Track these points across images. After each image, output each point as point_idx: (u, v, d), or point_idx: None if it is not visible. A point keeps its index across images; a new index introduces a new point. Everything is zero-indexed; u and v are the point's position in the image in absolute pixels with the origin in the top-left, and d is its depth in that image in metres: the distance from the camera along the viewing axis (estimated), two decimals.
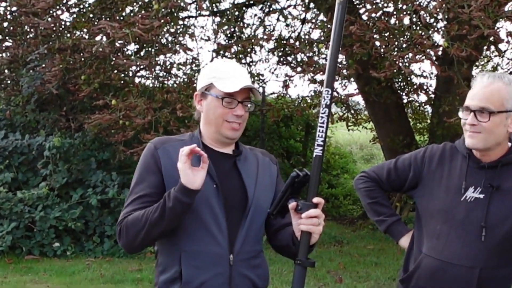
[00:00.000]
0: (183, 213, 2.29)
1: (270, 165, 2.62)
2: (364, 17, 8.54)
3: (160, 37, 8.08)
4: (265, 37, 9.87)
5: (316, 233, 2.34)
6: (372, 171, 3.07)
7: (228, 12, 11.05)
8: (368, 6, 7.98)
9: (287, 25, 12.04)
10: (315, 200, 2.31)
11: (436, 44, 7.75)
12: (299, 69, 9.66)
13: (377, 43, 7.55)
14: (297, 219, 2.35)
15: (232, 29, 11.74)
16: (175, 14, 8.43)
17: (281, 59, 11.50)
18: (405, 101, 13.02)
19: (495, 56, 13.14)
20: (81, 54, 8.56)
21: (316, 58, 9.43)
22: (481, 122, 2.56)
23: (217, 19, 11.51)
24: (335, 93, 9.86)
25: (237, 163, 2.50)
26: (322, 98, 2.33)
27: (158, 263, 2.46)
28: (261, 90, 12.58)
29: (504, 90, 2.57)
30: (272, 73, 13.28)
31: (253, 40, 10.00)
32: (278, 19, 11.98)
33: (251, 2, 11.54)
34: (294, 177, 2.30)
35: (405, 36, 7.56)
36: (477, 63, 12.15)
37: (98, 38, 8.14)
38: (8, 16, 9.94)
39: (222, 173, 2.43)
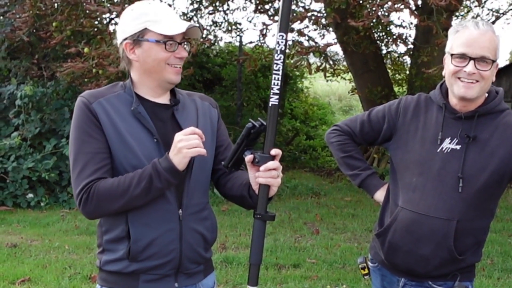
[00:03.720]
0: None
1: (210, 109, 2.50)
2: None
3: None
4: None
5: (275, 186, 2.23)
6: (344, 124, 2.97)
7: None
8: None
9: None
10: (273, 152, 2.19)
11: None
12: (276, 17, 9.48)
13: None
14: (254, 172, 2.23)
15: None
16: None
17: (258, 7, 11.28)
18: (384, 51, 12.97)
19: (475, 6, 13.09)
20: (52, 0, 8.30)
21: (293, 7, 9.26)
22: (480, 71, 2.48)
23: None
24: (312, 43, 9.72)
25: (175, 113, 2.36)
26: (276, 43, 2.19)
27: (101, 223, 2.34)
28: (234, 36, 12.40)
29: (496, 39, 2.52)
30: (250, 21, 13.12)
31: None
32: None
33: None
34: (249, 128, 2.18)
35: None
36: (456, 13, 12.07)
37: None
38: None
39: (161, 126, 2.30)
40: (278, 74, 2.19)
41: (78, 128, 2.23)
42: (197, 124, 2.37)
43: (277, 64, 2.18)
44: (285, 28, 2.18)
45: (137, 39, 2.26)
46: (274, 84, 2.19)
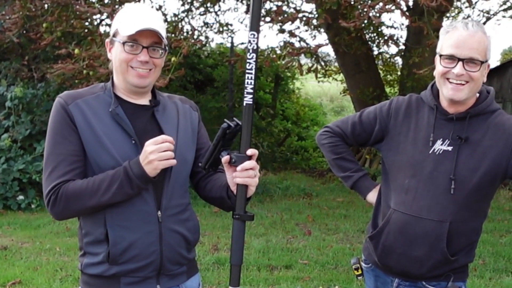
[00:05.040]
0: None
1: (191, 112, 2.49)
2: None
3: None
4: None
5: (252, 185, 2.22)
6: (335, 125, 2.96)
7: None
8: None
9: None
10: (249, 152, 2.18)
11: None
12: (267, 18, 9.48)
13: None
14: (231, 172, 2.23)
15: None
16: None
17: (250, 8, 11.27)
18: (375, 52, 13.00)
19: (466, 7, 13.14)
20: (42, 1, 8.27)
21: (285, 8, 9.25)
22: (469, 72, 2.47)
23: None
24: (303, 44, 9.73)
25: (155, 114, 2.35)
26: (248, 42, 2.18)
27: (81, 225, 2.33)
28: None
29: (486, 40, 2.51)
30: (241, 22, 13.11)
31: None
32: None
33: None
34: (225, 129, 2.17)
35: None
36: (447, 14, 12.11)
37: None
38: None
39: (139, 127, 2.29)
40: (251, 73, 2.17)
41: (53, 129, 2.24)
42: (177, 125, 2.37)
43: (249, 63, 2.17)
44: (256, 27, 2.17)
45: (112, 38, 2.29)
46: (247, 84, 2.18)
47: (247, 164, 2.18)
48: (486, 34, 2.51)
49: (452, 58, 2.48)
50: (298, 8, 10.62)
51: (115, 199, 2.16)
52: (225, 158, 2.21)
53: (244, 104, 2.18)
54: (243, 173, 2.18)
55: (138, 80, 2.26)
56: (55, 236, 7.37)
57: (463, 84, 2.49)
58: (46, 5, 8.29)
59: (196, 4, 11.13)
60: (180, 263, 2.38)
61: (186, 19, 11.64)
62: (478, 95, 2.61)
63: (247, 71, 2.17)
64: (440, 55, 2.53)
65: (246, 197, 2.24)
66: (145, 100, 2.36)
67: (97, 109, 2.25)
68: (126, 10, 2.31)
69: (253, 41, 2.17)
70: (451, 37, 2.50)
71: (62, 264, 6.12)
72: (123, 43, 2.23)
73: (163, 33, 2.27)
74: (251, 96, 2.18)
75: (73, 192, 2.16)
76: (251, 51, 2.17)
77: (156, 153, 2.11)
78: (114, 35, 2.28)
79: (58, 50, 8.23)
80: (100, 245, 2.25)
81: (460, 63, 2.46)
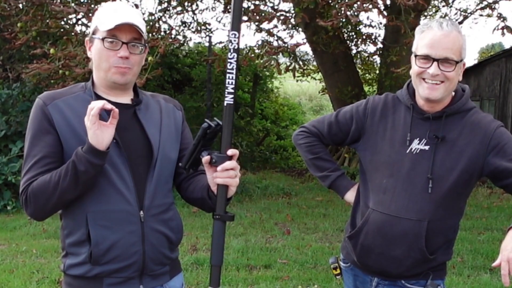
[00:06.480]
0: (96, 175, 2.16)
1: (174, 111, 2.49)
2: None
3: None
4: None
5: (233, 186, 2.21)
6: (312, 125, 2.95)
7: None
8: None
9: None
10: (230, 152, 2.17)
11: None
12: (245, 17, 9.46)
13: None
14: (212, 173, 2.22)
15: None
16: None
17: (227, 7, 11.25)
18: (353, 51, 13.03)
19: (443, 6, 13.23)
20: (17, 0, 8.18)
21: (262, 7, 9.23)
22: (444, 72, 2.47)
23: None
24: (281, 43, 9.72)
25: (137, 112, 2.34)
26: (229, 42, 2.18)
27: (63, 226, 2.31)
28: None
29: (461, 39, 2.51)
30: (219, 21, 13.07)
31: None
32: None
33: None
34: (205, 129, 2.16)
35: None
36: (425, 13, 12.19)
37: None
38: None
39: (121, 126, 2.23)
40: (232, 73, 2.17)
41: (30, 131, 2.23)
42: (160, 124, 2.36)
43: (230, 63, 2.16)
44: (237, 26, 2.17)
45: (91, 36, 2.28)
46: (228, 83, 2.17)
47: (228, 164, 2.17)
48: (461, 33, 2.52)
49: (427, 58, 2.48)
50: (275, 7, 10.62)
51: (76, 183, 2.11)
52: (205, 158, 2.20)
53: (225, 104, 2.17)
54: (224, 173, 2.17)
55: (119, 77, 2.25)
56: (31, 238, 7.30)
57: (439, 84, 2.49)
58: (20, 5, 8.21)
59: (173, 3, 11.07)
60: (163, 263, 2.37)
61: (163, 18, 11.59)
62: (453, 93, 2.61)
63: (228, 70, 2.17)
64: (416, 55, 2.53)
65: (226, 198, 2.23)
66: (126, 99, 2.34)
67: (77, 108, 2.23)
68: (105, 7, 2.30)
69: (234, 40, 2.16)
70: (426, 36, 2.50)
71: (38, 266, 6.06)
72: (103, 39, 2.21)
73: (143, 29, 2.25)
74: (232, 96, 2.17)
75: (38, 186, 2.14)
76: (232, 50, 2.16)
77: (86, 120, 2.07)
78: (93, 33, 2.26)
79: (33, 50, 8.14)
80: (82, 245, 2.23)
81: (435, 63, 2.46)
